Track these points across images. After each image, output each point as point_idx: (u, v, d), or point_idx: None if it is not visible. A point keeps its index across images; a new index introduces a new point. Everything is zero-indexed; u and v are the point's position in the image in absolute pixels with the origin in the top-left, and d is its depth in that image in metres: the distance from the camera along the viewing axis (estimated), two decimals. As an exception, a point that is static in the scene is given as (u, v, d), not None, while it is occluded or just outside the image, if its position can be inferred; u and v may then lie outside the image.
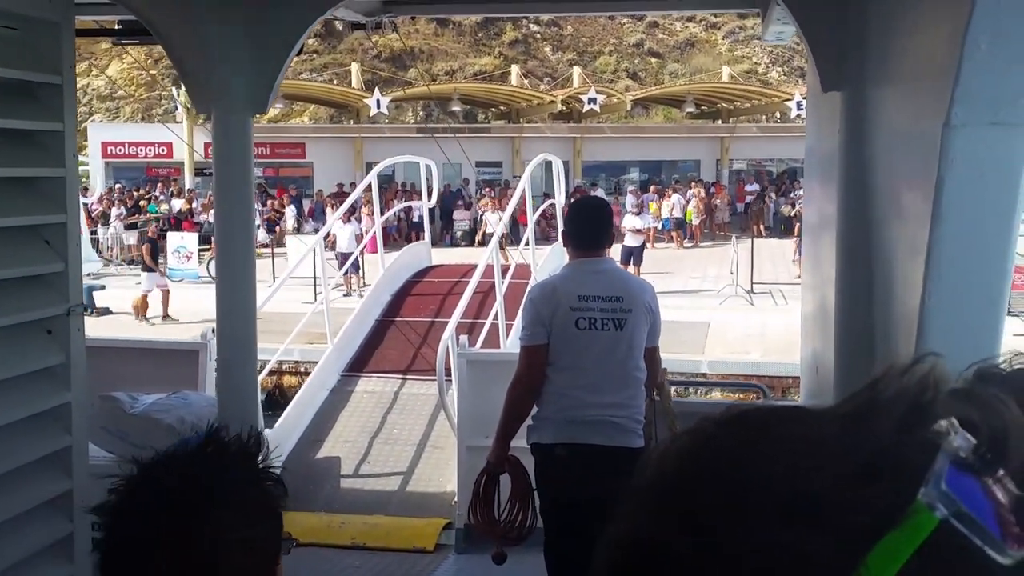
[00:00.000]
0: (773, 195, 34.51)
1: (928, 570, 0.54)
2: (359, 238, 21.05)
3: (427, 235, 14.40)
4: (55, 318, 3.96)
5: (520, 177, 33.36)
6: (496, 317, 10.02)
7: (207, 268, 26.02)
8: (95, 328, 11.74)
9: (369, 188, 13.53)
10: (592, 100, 37.16)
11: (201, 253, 27.59)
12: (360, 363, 10.37)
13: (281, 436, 8.82)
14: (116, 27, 5.91)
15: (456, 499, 7.21)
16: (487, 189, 32.30)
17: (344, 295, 20.30)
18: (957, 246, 2.50)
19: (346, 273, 20.09)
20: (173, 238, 27.67)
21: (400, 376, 10.02)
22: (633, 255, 24.30)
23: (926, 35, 2.78)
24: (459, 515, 7.04)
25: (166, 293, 21.49)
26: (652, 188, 33.22)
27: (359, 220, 23.29)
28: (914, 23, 2.97)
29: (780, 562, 0.56)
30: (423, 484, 8.40)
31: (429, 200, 14.19)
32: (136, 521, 1.50)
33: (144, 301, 20.90)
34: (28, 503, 3.81)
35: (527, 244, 12.42)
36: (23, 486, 3.79)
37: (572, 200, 5.82)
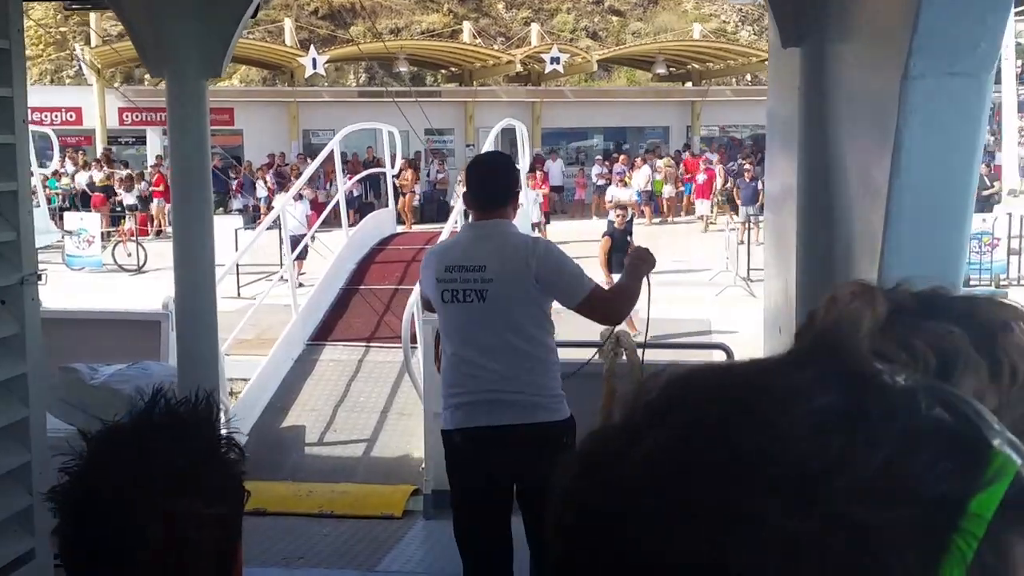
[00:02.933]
0: (748, 167, 28.81)
1: (1014, 519, 0.53)
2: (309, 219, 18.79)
3: (390, 203, 14.34)
4: (8, 287, 3.89)
5: (473, 146, 32.35)
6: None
7: (112, 254, 22.27)
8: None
9: (329, 160, 13.10)
10: (555, 60, 33.78)
11: (107, 237, 23.42)
12: (325, 332, 10.34)
13: (246, 405, 8.78)
14: (65, -10, 5.79)
15: (424, 465, 7.20)
16: (404, 161, 29.95)
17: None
18: (916, 199, 2.49)
19: (298, 258, 16.55)
20: (71, 219, 23.07)
21: (365, 344, 10.00)
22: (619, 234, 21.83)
23: (885, -14, 2.77)
24: (426, 481, 7.04)
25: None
26: (622, 158, 30.27)
27: (299, 197, 21.20)
28: (873, -25, 2.96)
29: (851, 546, 0.52)
30: (390, 451, 8.40)
31: (392, 167, 14.11)
32: (92, 507, 1.43)
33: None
34: (-15, 476, 3.75)
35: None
36: (-20, 459, 3.74)
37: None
